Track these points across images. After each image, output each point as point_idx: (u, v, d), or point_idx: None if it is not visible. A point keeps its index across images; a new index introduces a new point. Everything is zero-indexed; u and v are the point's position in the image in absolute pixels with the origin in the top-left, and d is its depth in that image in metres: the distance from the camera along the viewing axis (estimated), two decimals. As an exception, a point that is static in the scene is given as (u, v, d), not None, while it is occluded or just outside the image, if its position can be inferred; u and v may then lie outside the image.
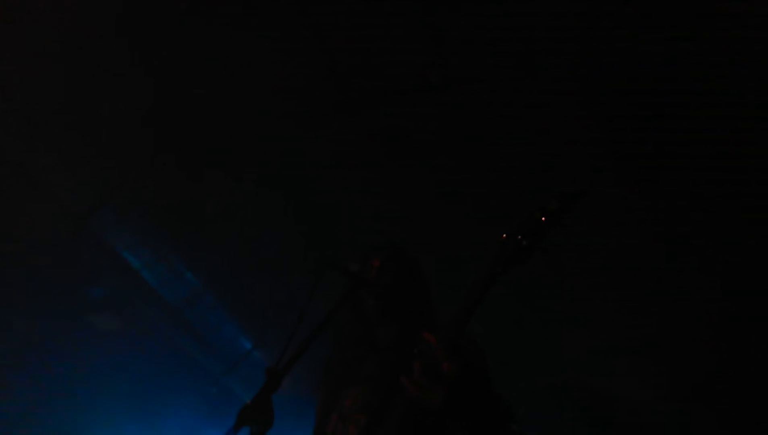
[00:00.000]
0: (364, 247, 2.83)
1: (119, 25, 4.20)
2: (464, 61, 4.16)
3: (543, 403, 5.84)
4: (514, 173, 4.62)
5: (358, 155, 4.83)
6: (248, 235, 5.62)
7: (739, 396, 5.47)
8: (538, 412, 5.78)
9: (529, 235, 2.15)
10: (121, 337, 6.20)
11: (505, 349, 5.15)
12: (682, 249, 4.82)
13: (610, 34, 3.85)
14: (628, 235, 4.81)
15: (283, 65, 4.36)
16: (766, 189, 4.36)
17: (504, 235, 2.19)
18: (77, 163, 5.07)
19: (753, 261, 4.73)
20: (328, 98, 4.50)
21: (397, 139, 4.67)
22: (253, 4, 4.03)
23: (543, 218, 2.16)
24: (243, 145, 4.94)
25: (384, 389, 2.38)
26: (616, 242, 4.85)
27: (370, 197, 5.05)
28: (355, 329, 2.73)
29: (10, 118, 4.70)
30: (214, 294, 6.38)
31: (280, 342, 2.36)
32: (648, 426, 5.96)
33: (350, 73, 4.34)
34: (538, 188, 4.39)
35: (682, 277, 4.96)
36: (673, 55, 3.85)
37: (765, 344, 5.14)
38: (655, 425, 5.93)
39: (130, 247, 5.97)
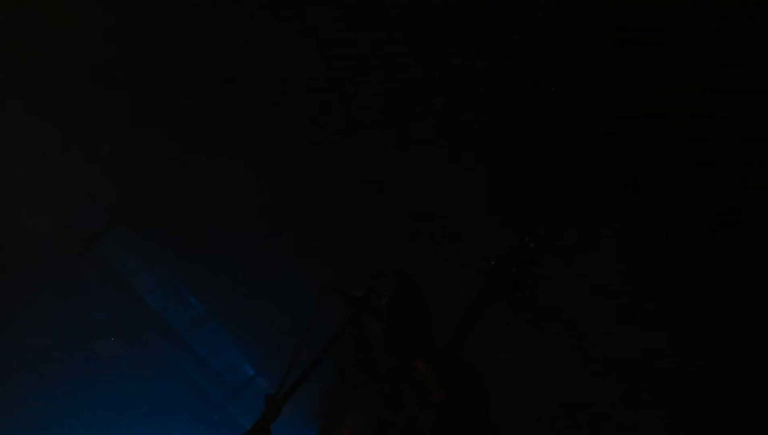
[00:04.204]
0: (367, 271, 2.81)
1: (125, 49, 4.24)
2: (468, 86, 4.18)
3: (540, 430, 5.78)
4: (518, 195, 4.62)
5: (362, 179, 4.84)
6: (253, 260, 5.62)
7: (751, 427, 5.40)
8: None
9: (518, 262, 2.15)
10: (123, 361, 6.17)
11: (503, 371, 5.10)
12: (690, 268, 4.78)
13: (618, 55, 3.86)
14: (633, 254, 4.79)
15: (290, 88, 4.39)
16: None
17: (493, 262, 2.19)
18: (84, 186, 5.09)
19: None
20: (332, 121, 4.52)
21: (399, 163, 4.68)
22: (261, 27, 4.06)
23: (531, 244, 2.16)
24: (248, 170, 4.95)
25: (380, 420, 2.35)
26: (620, 262, 4.83)
27: (375, 221, 5.05)
28: (356, 355, 2.71)
29: (18, 139, 4.72)
30: (217, 319, 6.36)
31: (284, 369, 2.33)
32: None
33: (355, 97, 4.36)
34: (542, 209, 4.37)
35: (692, 298, 4.91)
36: (681, 70, 3.87)
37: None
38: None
39: (135, 271, 5.97)
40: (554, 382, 5.59)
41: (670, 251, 4.76)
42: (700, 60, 3.84)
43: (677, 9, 3.67)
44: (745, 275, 4.76)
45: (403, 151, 4.62)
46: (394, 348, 2.62)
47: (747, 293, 4.85)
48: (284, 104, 4.48)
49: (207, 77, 4.42)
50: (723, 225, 4.55)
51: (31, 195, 5.04)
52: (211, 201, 5.14)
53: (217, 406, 6.82)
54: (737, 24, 3.67)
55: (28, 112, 4.51)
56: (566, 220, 2.21)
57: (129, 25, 4.10)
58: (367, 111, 4.45)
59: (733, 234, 4.57)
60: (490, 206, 4.76)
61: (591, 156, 4.38)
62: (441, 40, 4.03)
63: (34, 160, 4.81)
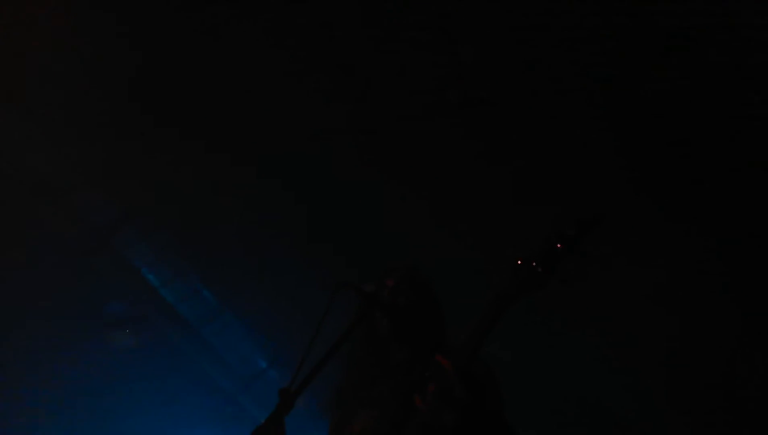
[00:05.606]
0: (380, 268, 2.82)
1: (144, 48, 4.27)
2: (483, 81, 4.18)
3: (554, 427, 5.77)
4: (532, 194, 4.61)
5: (377, 174, 4.84)
6: (267, 254, 5.64)
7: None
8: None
9: (544, 262, 2.13)
10: (137, 353, 6.21)
11: (522, 369, 5.10)
12: (710, 269, 4.75)
13: (639, 55, 3.84)
14: (650, 254, 4.76)
15: (303, 84, 4.40)
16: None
17: (519, 261, 2.16)
18: (101, 181, 5.13)
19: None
20: (349, 118, 4.53)
21: (415, 158, 4.68)
22: (279, 28, 4.08)
23: (559, 245, 2.14)
24: (265, 165, 4.97)
25: (394, 414, 2.36)
26: (638, 261, 4.80)
27: (389, 217, 5.05)
28: (369, 350, 2.71)
29: (34, 133, 4.76)
30: (231, 312, 6.39)
31: (296, 361, 2.35)
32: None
33: (370, 91, 4.38)
34: (558, 210, 4.36)
35: (711, 299, 4.88)
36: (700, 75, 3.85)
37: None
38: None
39: (149, 264, 6.01)
40: (568, 379, 5.58)
41: (690, 252, 4.73)
42: (717, 60, 3.82)
43: (690, 8, 3.65)
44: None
45: (418, 148, 4.62)
46: (402, 341, 2.62)
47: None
48: (300, 101, 4.50)
49: (221, 76, 4.44)
50: (744, 229, 4.52)
51: (49, 189, 5.09)
52: (225, 196, 5.16)
53: (229, 397, 6.85)
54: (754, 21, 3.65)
55: (48, 108, 4.55)
56: (595, 222, 2.18)
57: (147, 26, 4.13)
58: (382, 107, 4.46)
59: (755, 237, 4.54)
60: (504, 205, 4.75)
61: (608, 155, 4.37)
62: (455, 35, 4.03)
63: (53, 155, 4.85)
